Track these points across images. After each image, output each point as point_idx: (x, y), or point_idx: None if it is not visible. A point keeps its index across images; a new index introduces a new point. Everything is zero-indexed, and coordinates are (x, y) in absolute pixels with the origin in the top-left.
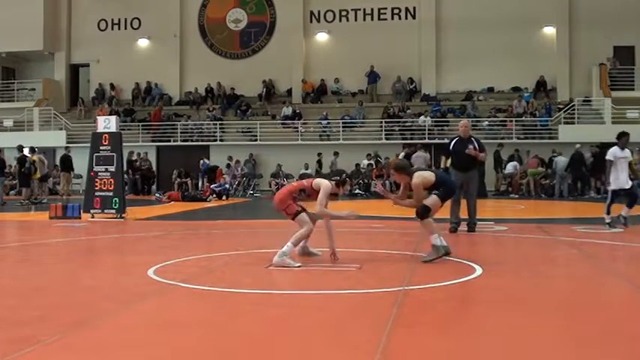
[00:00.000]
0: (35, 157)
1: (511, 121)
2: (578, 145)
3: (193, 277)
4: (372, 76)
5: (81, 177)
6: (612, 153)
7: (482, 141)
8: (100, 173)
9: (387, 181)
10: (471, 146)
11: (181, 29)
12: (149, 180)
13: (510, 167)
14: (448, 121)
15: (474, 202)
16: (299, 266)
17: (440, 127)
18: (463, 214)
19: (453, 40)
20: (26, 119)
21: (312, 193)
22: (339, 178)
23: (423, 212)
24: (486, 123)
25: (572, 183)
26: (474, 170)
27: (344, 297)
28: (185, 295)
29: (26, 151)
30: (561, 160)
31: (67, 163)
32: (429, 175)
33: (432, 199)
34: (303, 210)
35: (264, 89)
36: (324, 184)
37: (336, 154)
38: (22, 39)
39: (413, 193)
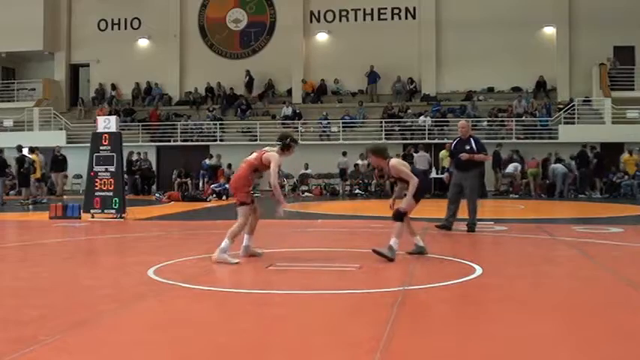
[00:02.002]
0: (35, 157)
1: (511, 121)
2: (584, 146)
3: (193, 277)
4: (372, 76)
5: (81, 177)
6: None
7: (482, 141)
8: (100, 173)
9: (387, 181)
10: (467, 147)
11: (181, 29)
12: (149, 180)
13: (511, 167)
14: (448, 121)
15: (473, 202)
16: (237, 262)
17: (440, 127)
18: (463, 214)
19: (453, 40)
20: (26, 119)
21: (263, 169)
22: (281, 143)
23: (400, 215)
24: (486, 123)
25: (580, 181)
26: (472, 170)
27: (344, 297)
28: (185, 295)
29: (26, 151)
30: (559, 167)
31: (57, 163)
32: (406, 166)
33: (406, 201)
34: (252, 202)
35: (247, 78)
36: (274, 157)
37: (344, 154)
38: (22, 39)
39: (400, 186)
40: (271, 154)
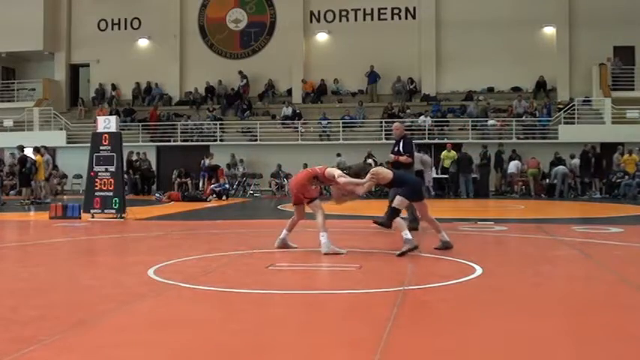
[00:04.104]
0: (39, 158)
1: (511, 121)
2: (587, 146)
3: (193, 277)
4: (372, 76)
5: (81, 177)
6: None
7: (483, 141)
8: (100, 173)
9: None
10: (396, 149)
11: (181, 29)
12: (149, 180)
13: (512, 167)
14: (448, 121)
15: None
16: (345, 253)
17: (440, 127)
18: (461, 215)
19: (453, 40)
20: (26, 119)
21: (324, 180)
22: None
23: (392, 214)
24: (488, 123)
25: (581, 181)
26: (400, 171)
27: (344, 297)
28: (185, 295)
29: (28, 151)
30: (559, 167)
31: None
32: (387, 173)
33: (397, 200)
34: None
35: (244, 81)
36: (337, 171)
37: (339, 155)
38: (22, 39)
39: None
40: (334, 169)
